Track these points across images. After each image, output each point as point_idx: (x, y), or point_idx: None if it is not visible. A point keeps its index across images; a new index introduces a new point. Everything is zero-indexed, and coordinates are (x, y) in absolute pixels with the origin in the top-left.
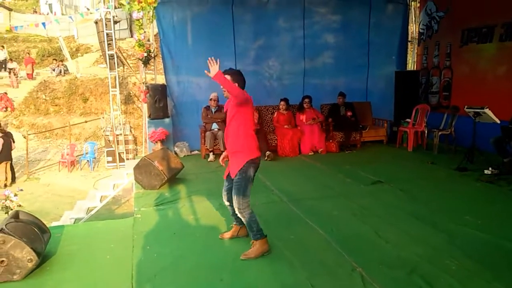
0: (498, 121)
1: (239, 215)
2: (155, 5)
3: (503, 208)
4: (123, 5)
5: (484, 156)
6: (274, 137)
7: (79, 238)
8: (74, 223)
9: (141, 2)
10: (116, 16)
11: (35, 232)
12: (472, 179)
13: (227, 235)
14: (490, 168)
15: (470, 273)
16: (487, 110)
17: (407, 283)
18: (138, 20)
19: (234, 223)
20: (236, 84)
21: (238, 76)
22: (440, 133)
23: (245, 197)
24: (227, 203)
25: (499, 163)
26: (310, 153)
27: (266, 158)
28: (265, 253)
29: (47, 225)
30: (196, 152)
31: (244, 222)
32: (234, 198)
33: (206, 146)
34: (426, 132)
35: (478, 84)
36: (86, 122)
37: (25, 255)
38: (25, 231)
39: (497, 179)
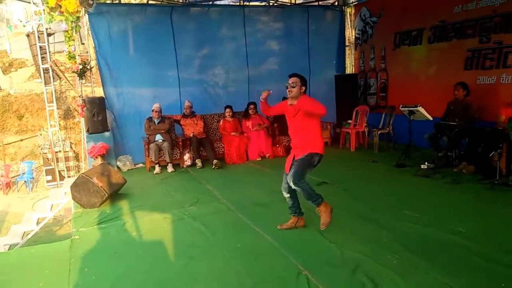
0: (431, 118)
1: (294, 187)
2: (78, 14)
3: (438, 200)
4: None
5: (420, 152)
6: (221, 145)
7: (10, 266)
8: (8, 249)
9: (63, 13)
10: (50, 28)
11: None
12: (410, 174)
13: (286, 226)
14: (426, 163)
15: (411, 267)
16: (420, 108)
17: (351, 281)
18: (66, 31)
19: (292, 214)
20: (304, 88)
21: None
22: (379, 132)
23: (303, 173)
24: (287, 195)
25: (434, 157)
26: (257, 159)
27: (213, 166)
28: (331, 210)
29: None
30: (140, 165)
31: (303, 193)
32: (292, 173)
33: (151, 159)
34: (366, 132)
35: (411, 84)
36: (22, 140)
37: None
38: None
39: (432, 173)
